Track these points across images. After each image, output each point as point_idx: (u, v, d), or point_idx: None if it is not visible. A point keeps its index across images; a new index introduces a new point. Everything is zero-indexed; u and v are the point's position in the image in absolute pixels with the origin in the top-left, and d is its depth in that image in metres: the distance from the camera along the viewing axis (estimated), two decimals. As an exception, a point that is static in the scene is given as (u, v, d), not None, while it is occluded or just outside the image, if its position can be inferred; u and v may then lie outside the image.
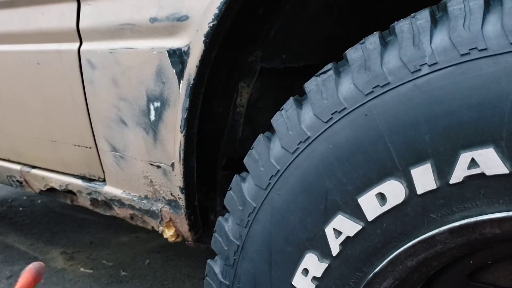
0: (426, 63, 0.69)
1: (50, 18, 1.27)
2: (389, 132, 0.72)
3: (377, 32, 0.77)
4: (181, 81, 1.02)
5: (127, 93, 1.14)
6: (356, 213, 0.77)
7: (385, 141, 0.72)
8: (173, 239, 1.28)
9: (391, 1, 1.17)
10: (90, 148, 1.33)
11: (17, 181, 1.70)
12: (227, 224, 0.97)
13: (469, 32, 0.66)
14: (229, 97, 1.17)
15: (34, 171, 1.59)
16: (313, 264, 0.83)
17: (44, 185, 1.58)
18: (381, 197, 0.74)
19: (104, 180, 1.38)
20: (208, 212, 1.30)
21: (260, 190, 0.89)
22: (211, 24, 0.94)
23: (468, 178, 0.68)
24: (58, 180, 1.52)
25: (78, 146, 1.37)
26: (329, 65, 0.82)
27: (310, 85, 0.83)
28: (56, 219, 2.92)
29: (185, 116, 1.03)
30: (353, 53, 0.78)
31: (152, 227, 1.32)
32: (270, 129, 0.91)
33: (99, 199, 1.40)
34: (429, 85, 0.69)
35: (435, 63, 0.68)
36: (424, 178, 0.70)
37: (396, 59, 0.72)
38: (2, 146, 1.67)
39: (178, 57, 1.01)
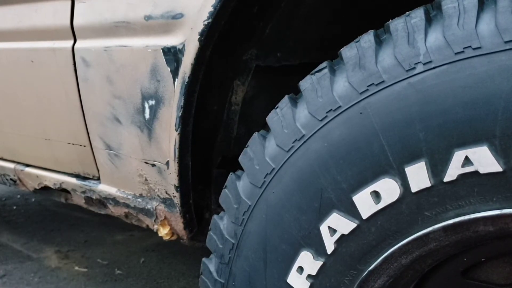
0: (420, 62, 0.70)
1: (44, 16, 1.26)
2: (383, 130, 0.72)
3: (372, 30, 0.77)
4: (176, 79, 1.02)
5: (121, 91, 1.14)
6: (351, 211, 0.77)
7: (380, 139, 0.73)
8: (168, 237, 1.27)
9: (386, 0, 1.17)
10: (84, 146, 1.33)
11: (11, 179, 1.69)
12: (222, 223, 0.97)
13: (463, 31, 0.67)
14: (224, 95, 1.17)
15: (28, 169, 1.59)
16: (308, 262, 0.84)
17: (38, 183, 1.57)
18: (376, 195, 0.75)
19: (98, 179, 1.37)
20: (203, 211, 1.29)
21: (255, 188, 0.89)
22: (206, 22, 0.94)
23: (462, 176, 0.68)
24: (52, 178, 1.51)
25: (72, 144, 1.36)
26: (324, 64, 0.82)
27: (305, 84, 0.83)
28: (50, 217, 2.91)
29: (180, 114, 1.03)
30: (348, 52, 0.78)
31: (147, 226, 1.32)
32: (265, 127, 0.91)
33: (94, 197, 1.40)
34: (423, 83, 0.69)
35: (430, 62, 0.69)
36: (418, 176, 0.70)
37: (391, 58, 0.72)
38: (-4, 144, 1.66)
39: (172, 55, 1.01)
